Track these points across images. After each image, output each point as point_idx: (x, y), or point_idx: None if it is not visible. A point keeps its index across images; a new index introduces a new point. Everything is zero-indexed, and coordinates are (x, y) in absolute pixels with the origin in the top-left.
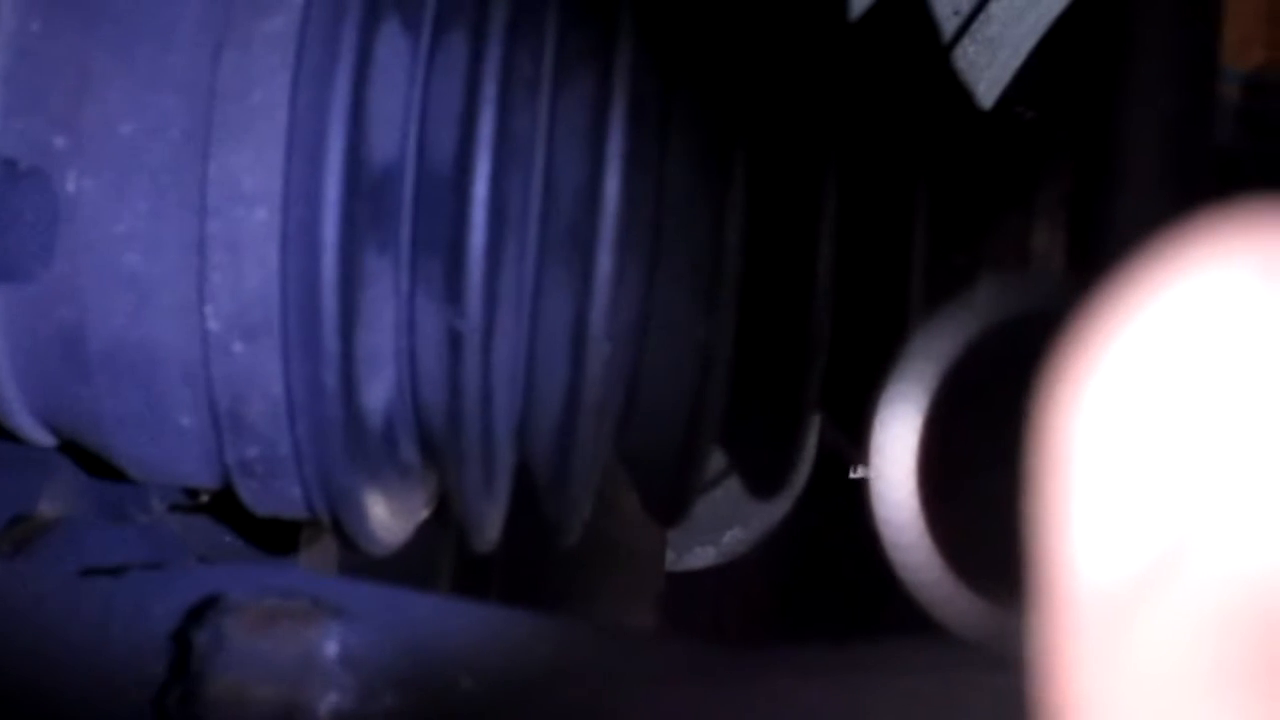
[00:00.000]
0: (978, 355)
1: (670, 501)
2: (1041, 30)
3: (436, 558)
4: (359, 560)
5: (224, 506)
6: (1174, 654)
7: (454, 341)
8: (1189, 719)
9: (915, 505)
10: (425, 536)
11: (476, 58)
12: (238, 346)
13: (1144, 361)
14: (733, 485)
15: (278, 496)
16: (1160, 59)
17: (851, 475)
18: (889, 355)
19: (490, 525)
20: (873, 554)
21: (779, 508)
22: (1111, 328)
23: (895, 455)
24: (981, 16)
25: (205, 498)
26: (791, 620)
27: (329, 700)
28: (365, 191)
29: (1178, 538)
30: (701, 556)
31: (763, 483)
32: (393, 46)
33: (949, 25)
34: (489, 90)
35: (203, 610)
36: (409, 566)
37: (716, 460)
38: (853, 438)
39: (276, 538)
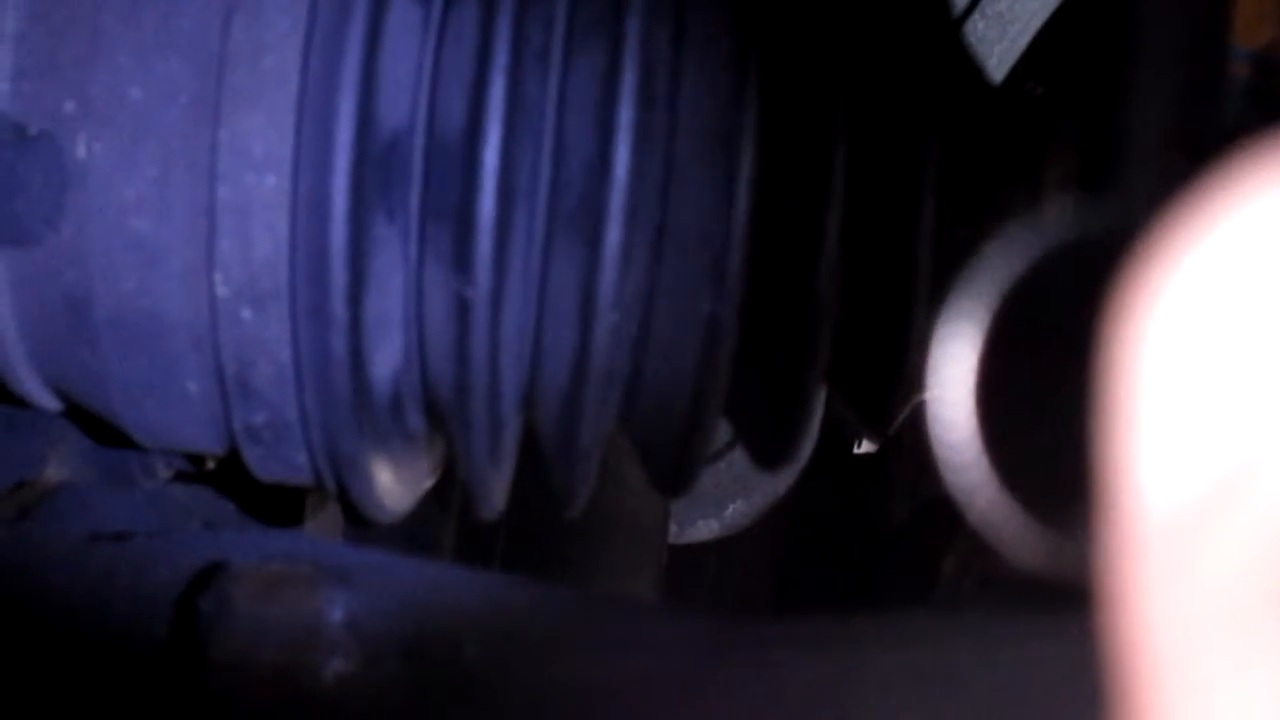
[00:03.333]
0: (1038, 277)
1: (674, 473)
2: (1051, 6)
3: (440, 525)
4: (364, 528)
5: (229, 474)
6: (1240, 572)
7: (462, 309)
8: (1255, 637)
9: (973, 426)
10: (430, 504)
11: (487, 26)
12: (246, 312)
13: (1211, 286)
14: (736, 458)
15: (284, 463)
16: (1169, 35)
17: (854, 449)
18: (894, 328)
19: (496, 493)
20: (871, 527)
21: (782, 481)
22: (1179, 251)
23: (954, 375)
24: None
25: (211, 464)
26: (790, 592)
27: (333, 666)
28: (375, 159)
29: (1245, 458)
30: (704, 529)
31: (767, 455)
32: (404, 13)
33: (960, 0)
34: (500, 59)
35: (208, 576)
36: (413, 534)
37: (721, 432)
38: (859, 410)
39: (281, 506)
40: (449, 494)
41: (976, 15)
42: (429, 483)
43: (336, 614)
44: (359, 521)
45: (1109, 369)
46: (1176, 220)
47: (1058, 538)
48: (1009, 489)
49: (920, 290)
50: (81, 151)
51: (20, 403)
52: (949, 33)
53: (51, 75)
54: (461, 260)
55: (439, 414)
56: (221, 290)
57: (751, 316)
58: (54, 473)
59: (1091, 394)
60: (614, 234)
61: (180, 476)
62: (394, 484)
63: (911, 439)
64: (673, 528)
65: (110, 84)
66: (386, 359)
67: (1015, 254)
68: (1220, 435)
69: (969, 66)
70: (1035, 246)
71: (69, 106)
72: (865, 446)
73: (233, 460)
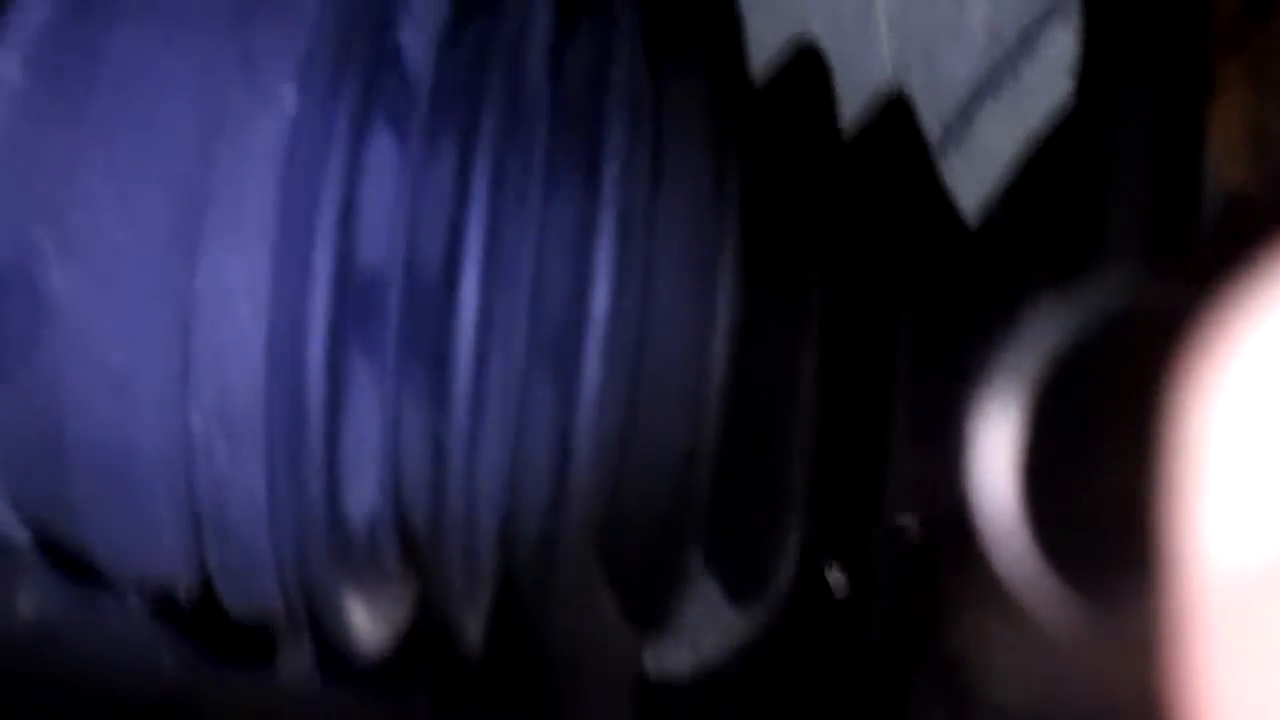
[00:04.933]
0: (1082, 350)
1: (650, 607)
2: (1024, 143)
3: (415, 661)
4: (337, 667)
5: (201, 609)
6: None
7: (438, 448)
8: None
9: (1015, 498)
10: (405, 641)
11: (466, 165)
12: (220, 447)
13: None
14: (712, 590)
15: (257, 599)
16: (1143, 172)
17: (830, 584)
18: (870, 464)
19: (472, 630)
20: (850, 664)
21: (758, 615)
22: (1247, 318)
23: (995, 448)
24: (966, 129)
25: (184, 600)
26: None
27: None
28: (353, 296)
29: None
30: (678, 661)
31: (742, 590)
32: (383, 151)
33: (933, 136)
34: (478, 198)
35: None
36: (387, 673)
37: (695, 564)
38: (833, 544)
39: (253, 642)
40: (424, 631)
41: (950, 151)
42: (405, 619)
43: None
44: (333, 660)
45: (1172, 434)
46: (1244, 288)
47: (1097, 610)
48: (1050, 561)
49: (896, 426)
50: (57, 285)
51: None
52: (926, 169)
53: (28, 209)
54: (438, 399)
55: (415, 551)
56: (196, 425)
57: (728, 451)
58: (24, 608)
59: (1143, 466)
60: (592, 372)
61: (152, 612)
62: (368, 622)
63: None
64: (648, 660)
65: (87, 217)
66: (362, 496)
67: (1054, 328)
68: None
69: (945, 203)
70: (1078, 319)
71: (45, 241)
72: (835, 577)
73: (206, 596)
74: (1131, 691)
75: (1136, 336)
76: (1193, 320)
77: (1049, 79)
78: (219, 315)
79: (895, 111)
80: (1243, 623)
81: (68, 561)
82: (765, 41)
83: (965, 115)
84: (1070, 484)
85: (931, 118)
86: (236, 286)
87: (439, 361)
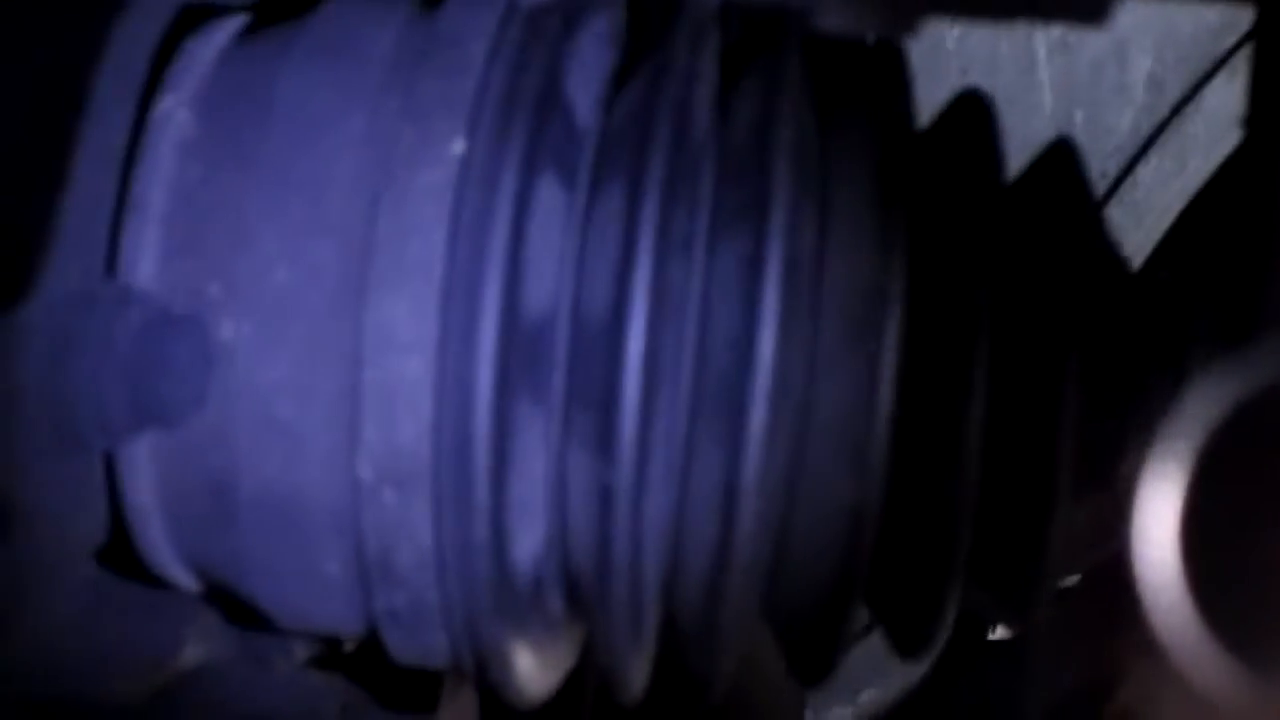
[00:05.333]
0: (1248, 415)
1: (815, 662)
2: (1187, 196)
3: (576, 711)
4: (500, 713)
5: (365, 657)
6: None
7: (604, 494)
8: None
9: (1179, 566)
10: (566, 690)
11: (632, 212)
12: (388, 495)
13: None
14: (872, 645)
15: (423, 646)
16: None
17: (988, 637)
18: (1037, 520)
19: (635, 679)
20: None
21: (916, 669)
22: None
23: (1160, 513)
24: (1128, 181)
25: (349, 647)
26: None
27: None
28: (519, 343)
29: None
30: (839, 716)
31: (906, 644)
32: (549, 199)
33: (1097, 188)
34: (644, 244)
35: None
36: (550, 718)
37: (862, 619)
38: (999, 602)
39: (417, 690)
40: (586, 679)
41: (1113, 203)
42: (567, 668)
43: None
44: (496, 706)
45: None
46: None
47: (1261, 681)
48: (1213, 630)
49: (1063, 482)
50: (227, 333)
51: (159, 583)
52: (1091, 220)
53: (198, 256)
54: (605, 445)
55: (579, 599)
56: (364, 473)
57: (893, 504)
58: (191, 653)
59: None
60: (758, 419)
61: (317, 660)
62: (533, 669)
63: (1050, 631)
64: (808, 715)
65: (256, 266)
66: (528, 543)
67: (1225, 390)
68: None
69: (1110, 255)
70: (1246, 383)
71: (214, 288)
72: (999, 633)
73: (370, 642)
74: None
75: None
76: None
77: (1213, 132)
78: (387, 364)
79: (1061, 160)
80: None
81: (235, 609)
82: (930, 93)
83: (1128, 168)
84: (1234, 548)
85: (1093, 170)
86: (404, 335)
87: (605, 408)
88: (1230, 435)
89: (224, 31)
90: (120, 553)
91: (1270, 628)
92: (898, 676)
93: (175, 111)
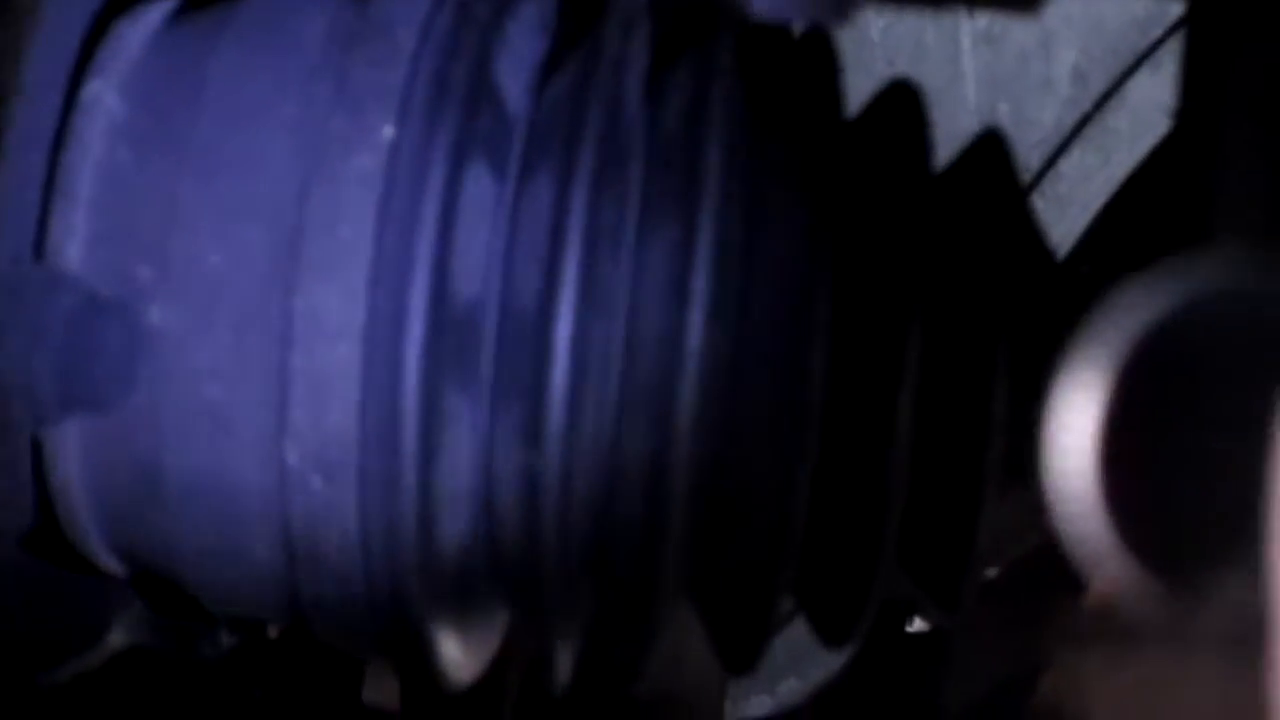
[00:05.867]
0: (1167, 329)
1: (743, 650)
2: (1111, 189)
3: (500, 698)
4: (424, 698)
5: (291, 641)
6: None
7: (532, 481)
8: None
9: (1092, 477)
10: (490, 676)
11: (562, 200)
12: (316, 482)
13: None
14: (791, 635)
15: (350, 632)
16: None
17: (907, 629)
18: (966, 510)
19: (561, 667)
20: (926, 703)
21: (836, 658)
22: None
23: (1074, 424)
24: (1051, 174)
25: (274, 632)
26: None
27: None
28: (448, 330)
29: None
30: (758, 706)
31: (831, 633)
32: (479, 187)
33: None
34: (574, 232)
35: None
36: (472, 705)
37: (788, 608)
38: (927, 591)
39: (343, 673)
40: (510, 665)
41: (1036, 196)
42: (493, 654)
43: None
44: (420, 691)
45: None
46: None
47: (1174, 593)
48: (1126, 542)
49: (990, 472)
50: (156, 318)
51: (85, 568)
52: (1019, 213)
53: (127, 241)
54: (533, 434)
55: (506, 585)
56: (292, 459)
57: (822, 492)
58: (117, 638)
59: (1239, 456)
60: (686, 409)
61: (242, 645)
62: (459, 654)
63: (972, 623)
64: (727, 705)
65: (186, 251)
66: (455, 531)
67: (1143, 304)
68: None
69: (1038, 248)
70: (1177, 294)
71: (144, 272)
72: (919, 625)
73: (295, 626)
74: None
75: (1236, 321)
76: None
77: (1137, 126)
78: (315, 350)
79: (990, 151)
80: None
81: (162, 594)
82: (856, 83)
83: (1051, 161)
84: (1150, 462)
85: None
86: (333, 321)
87: (533, 396)
88: (1151, 348)
89: (155, 13)
90: (47, 537)
91: (1196, 555)
92: (817, 667)
93: (104, 94)
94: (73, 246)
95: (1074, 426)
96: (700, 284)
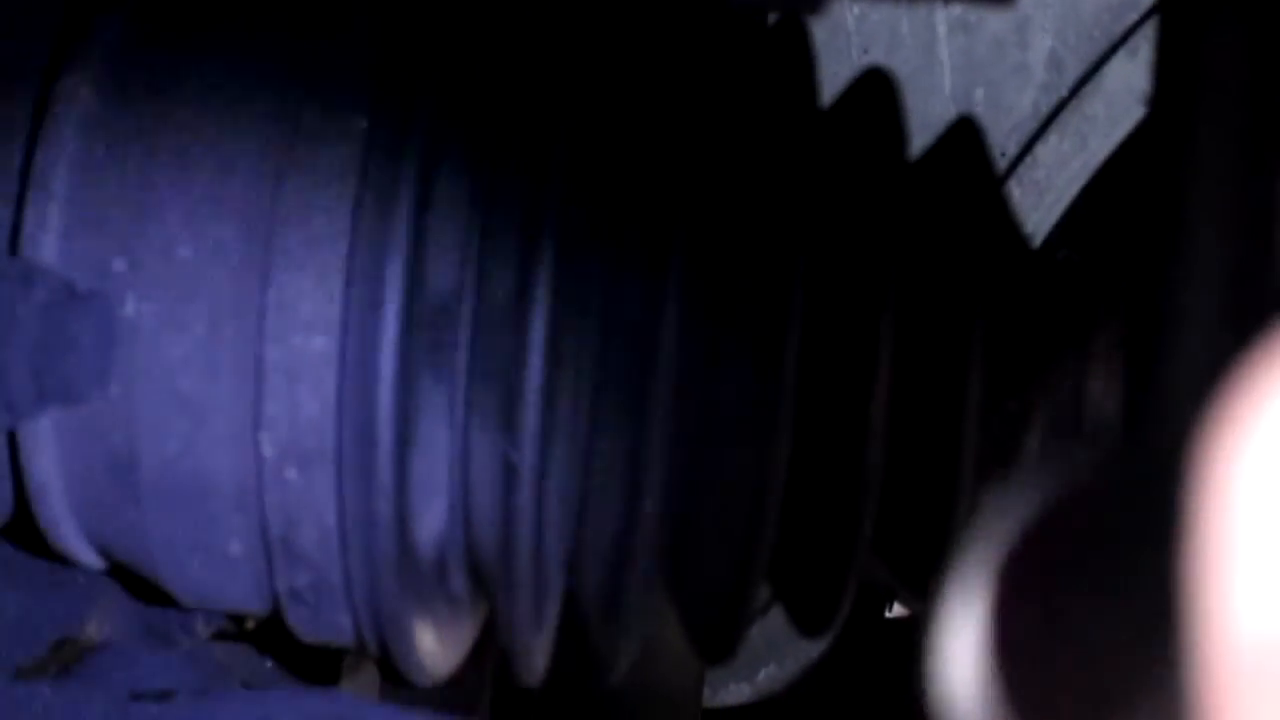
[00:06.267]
0: (1051, 521)
1: (718, 640)
2: (1087, 175)
3: (478, 688)
4: (401, 689)
5: (268, 633)
6: None
7: (508, 473)
8: None
9: (983, 688)
10: (468, 667)
11: (537, 191)
12: (291, 474)
13: None
14: (770, 622)
15: (326, 624)
16: (1219, 205)
17: (888, 613)
18: (941, 498)
19: (537, 658)
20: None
21: (815, 646)
22: (1267, 391)
23: (961, 637)
24: (1027, 160)
25: (251, 624)
26: None
27: None
28: (423, 322)
29: None
30: (736, 693)
31: (808, 621)
32: (453, 179)
33: (997, 168)
34: (548, 224)
35: None
36: (449, 697)
37: (763, 597)
38: (903, 580)
39: (319, 666)
40: (487, 657)
41: (1013, 182)
42: (469, 645)
43: None
44: (398, 683)
45: (1196, 511)
46: (1260, 359)
47: None
48: None
49: (967, 460)
50: (130, 310)
51: (62, 559)
52: (994, 200)
53: (101, 234)
54: (508, 425)
55: (482, 577)
56: (267, 451)
57: (798, 484)
58: (95, 630)
59: (1138, 629)
60: (660, 399)
61: (219, 635)
62: (436, 646)
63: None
64: (706, 693)
65: (160, 243)
66: (431, 522)
67: (1022, 503)
68: None
69: (1014, 235)
70: (1044, 493)
71: (119, 265)
72: (896, 610)
73: (272, 619)
74: None
75: (1114, 507)
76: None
77: (1113, 112)
78: (290, 342)
79: (965, 139)
80: (1270, 687)
81: (139, 585)
82: (831, 72)
83: (1027, 147)
84: (1046, 659)
85: (993, 149)
86: (307, 313)
87: (508, 387)
88: (1031, 547)
89: (129, 7)
90: (23, 529)
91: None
92: (796, 654)
93: (78, 88)
94: (47, 239)
95: (960, 638)
96: (675, 279)
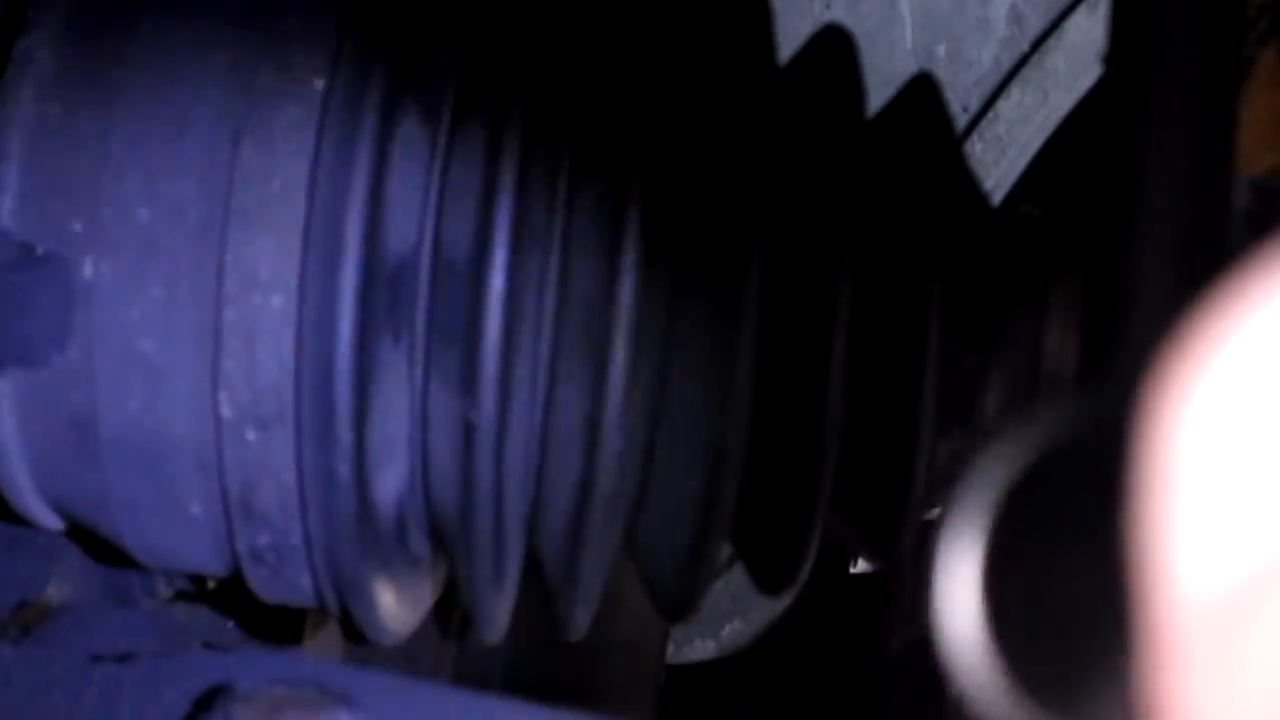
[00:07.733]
0: (1035, 477)
1: (679, 598)
2: (1049, 130)
3: (440, 647)
4: (363, 649)
5: (229, 593)
6: None
7: (467, 432)
8: None
9: (983, 638)
10: (429, 626)
11: (494, 150)
12: (250, 434)
13: (1243, 376)
14: (734, 578)
15: (287, 585)
16: (1174, 161)
17: (852, 568)
18: (900, 452)
19: (498, 616)
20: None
21: (780, 601)
22: (1209, 345)
23: (958, 590)
24: (989, 115)
25: (212, 584)
26: (785, 715)
27: None
28: (381, 281)
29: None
30: (701, 649)
31: (769, 578)
32: (411, 136)
33: (957, 123)
34: (506, 183)
35: (211, 697)
36: (412, 655)
37: (725, 555)
38: (863, 534)
39: (281, 626)
40: (449, 615)
41: (975, 137)
42: (430, 604)
43: None
44: (359, 642)
45: (1144, 468)
46: (1204, 318)
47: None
48: (1023, 696)
49: (925, 415)
50: (88, 272)
51: (22, 521)
52: (952, 156)
53: (59, 195)
54: (467, 383)
55: (442, 536)
56: (226, 412)
57: (757, 439)
58: (55, 592)
59: (1105, 581)
60: (619, 357)
61: (181, 596)
62: (396, 606)
63: (911, 565)
64: (670, 648)
65: (118, 205)
66: (391, 481)
67: (1008, 459)
68: (1257, 524)
69: (972, 191)
70: (1027, 449)
71: (76, 226)
72: (861, 567)
73: (233, 580)
74: None
75: (1087, 459)
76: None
77: (1074, 66)
78: (248, 302)
79: (922, 95)
80: (1217, 646)
81: (99, 547)
82: (793, 28)
83: (989, 102)
84: (1038, 605)
85: (954, 105)
86: (265, 273)
87: (467, 346)
88: (1023, 496)
89: None
90: None
91: (1077, 684)
92: (760, 610)
93: (35, 50)
94: (5, 201)
95: (957, 592)
96: (632, 235)
